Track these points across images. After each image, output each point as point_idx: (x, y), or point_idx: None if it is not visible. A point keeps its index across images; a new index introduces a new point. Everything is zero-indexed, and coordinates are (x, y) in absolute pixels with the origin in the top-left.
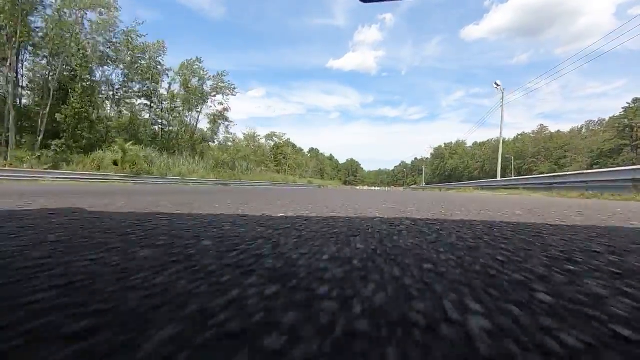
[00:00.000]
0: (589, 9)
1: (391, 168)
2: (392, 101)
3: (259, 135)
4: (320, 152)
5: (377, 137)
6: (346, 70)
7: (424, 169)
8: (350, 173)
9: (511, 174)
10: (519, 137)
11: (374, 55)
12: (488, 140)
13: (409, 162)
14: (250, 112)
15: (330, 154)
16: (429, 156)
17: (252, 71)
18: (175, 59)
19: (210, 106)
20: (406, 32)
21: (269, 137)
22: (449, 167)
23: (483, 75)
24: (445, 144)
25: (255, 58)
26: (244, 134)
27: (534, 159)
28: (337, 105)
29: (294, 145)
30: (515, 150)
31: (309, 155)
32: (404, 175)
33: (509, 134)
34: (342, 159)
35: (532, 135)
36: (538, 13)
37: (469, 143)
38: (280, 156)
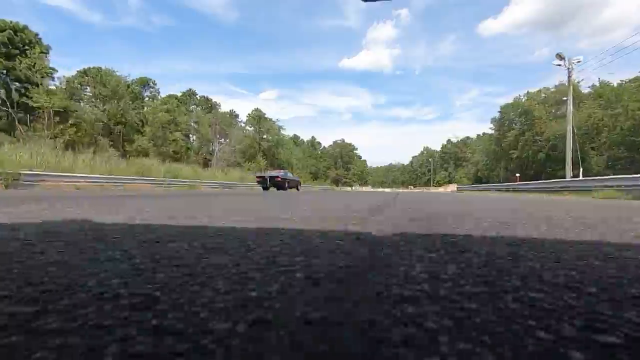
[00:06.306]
0: None
1: (406, 162)
2: (404, 101)
3: None
4: (275, 122)
5: (389, 137)
6: (359, 70)
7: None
8: (340, 165)
9: None
10: None
11: (388, 52)
12: None
13: (437, 148)
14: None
15: (312, 136)
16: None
17: (264, 74)
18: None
19: None
20: (421, 30)
21: None
22: (549, 140)
23: (498, 74)
24: (529, 92)
25: (268, 60)
26: None
27: None
28: (349, 106)
29: (208, 102)
30: None
31: (245, 125)
32: (429, 170)
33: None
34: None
35: None
36: (562, 3)
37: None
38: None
